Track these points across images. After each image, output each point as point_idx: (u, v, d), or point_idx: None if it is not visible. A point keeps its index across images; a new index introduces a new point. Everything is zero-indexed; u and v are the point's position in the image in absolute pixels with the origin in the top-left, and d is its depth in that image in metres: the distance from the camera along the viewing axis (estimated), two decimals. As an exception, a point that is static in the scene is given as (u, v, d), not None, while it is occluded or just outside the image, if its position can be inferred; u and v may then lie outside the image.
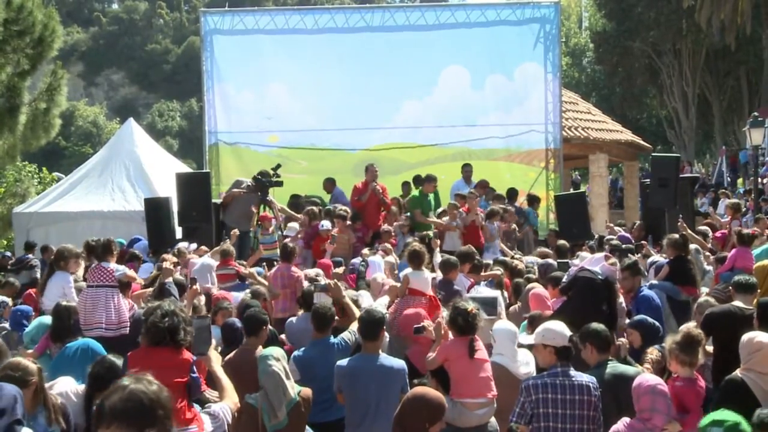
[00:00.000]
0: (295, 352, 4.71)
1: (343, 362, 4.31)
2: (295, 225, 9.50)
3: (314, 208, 9.76)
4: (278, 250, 8.38)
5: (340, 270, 6.83)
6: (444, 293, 5.87)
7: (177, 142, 48.30)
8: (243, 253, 9.26)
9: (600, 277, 5.32)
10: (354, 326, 4.80)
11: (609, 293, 5.37)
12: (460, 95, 12.88)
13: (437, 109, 12.88)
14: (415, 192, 10.23)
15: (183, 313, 3.19)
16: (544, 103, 12.87)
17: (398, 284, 6.10)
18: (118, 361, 3.68)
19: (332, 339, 4.68)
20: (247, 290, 6.51)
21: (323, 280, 5.80)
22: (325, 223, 9.34)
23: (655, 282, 6.79)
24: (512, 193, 11.45)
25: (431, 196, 10.41)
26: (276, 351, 3.95)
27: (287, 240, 8.58)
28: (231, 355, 4.65)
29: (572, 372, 3.83)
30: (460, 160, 12.40)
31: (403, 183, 11.56)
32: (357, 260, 7.88)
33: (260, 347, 4.53)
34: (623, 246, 8.20)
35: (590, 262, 5.52)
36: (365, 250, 7.69)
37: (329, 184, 11.27)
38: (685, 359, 4.00)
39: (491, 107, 12.94)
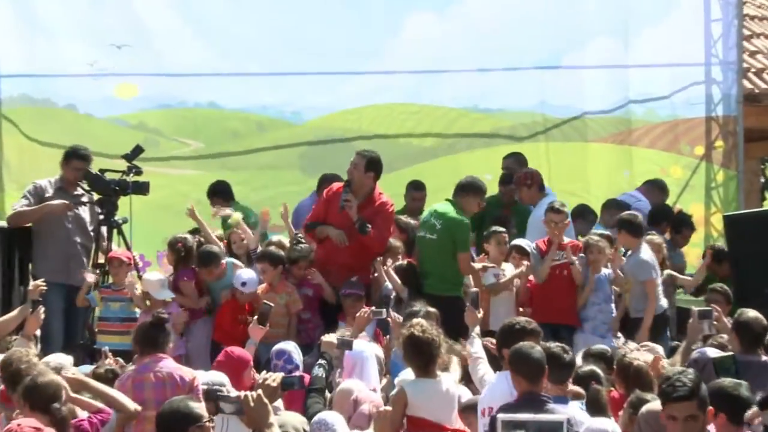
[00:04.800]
0: None
1: None
2: (156, 276, 10.15)
3: (188, 236, 10.46)
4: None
5: (273, 381, 6.39)
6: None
7: None
8: (71, 333, 9.84)
9: None
10: None
11: None
12: (520, 5, 13.28)
13: (476, 33, 13.33)
14: (452, 211, 10.30)
15: None
16: (704, 23, 13.27)
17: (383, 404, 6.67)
18: None
19: None
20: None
21: (233, 392, 6.03)
22: (245, 274, 9.70)
23: None
24: (662, 212, 11.87)
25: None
26: None
27: (160, 313, 8.62)
28: None
29: None
30: (526, 142, 13.07)
31: (410, 184, 11.88)
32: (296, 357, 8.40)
33: None
34: None
35: None
36: (328, 336, 8.07)
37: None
38: None
39: (590, 32, 13.48)
